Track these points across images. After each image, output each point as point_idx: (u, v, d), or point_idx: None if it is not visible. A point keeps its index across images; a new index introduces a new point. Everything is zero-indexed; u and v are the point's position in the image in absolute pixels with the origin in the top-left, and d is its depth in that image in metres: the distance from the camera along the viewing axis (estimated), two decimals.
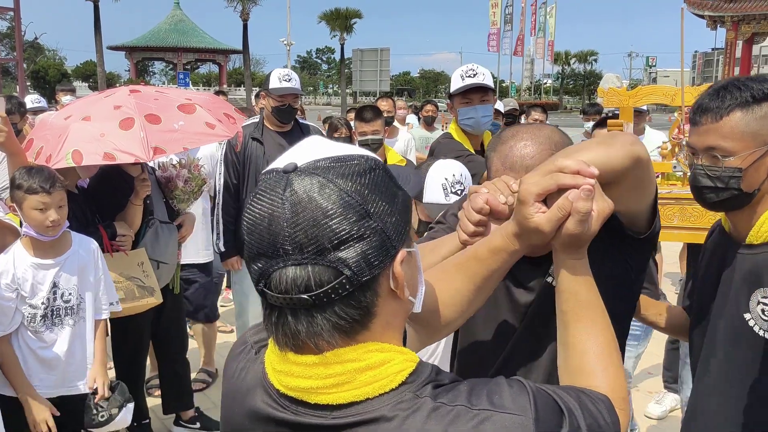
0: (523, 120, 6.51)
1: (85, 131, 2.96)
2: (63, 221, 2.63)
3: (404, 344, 0.94)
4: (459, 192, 2.36)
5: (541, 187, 1.01)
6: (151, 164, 3.56)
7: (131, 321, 3.27)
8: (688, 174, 1.71)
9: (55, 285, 2.68)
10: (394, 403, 0.83)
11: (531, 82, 67.97)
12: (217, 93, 7.26)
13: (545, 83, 72.65)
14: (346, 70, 45.12)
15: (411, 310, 0.93)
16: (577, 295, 1.05)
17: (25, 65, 23.27)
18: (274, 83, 4.03)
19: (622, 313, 1.44)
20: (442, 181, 2.40)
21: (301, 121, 4.46)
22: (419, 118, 8.32)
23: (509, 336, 1.47)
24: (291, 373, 0.86)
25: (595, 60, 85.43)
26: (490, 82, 3.27)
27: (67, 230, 2.72)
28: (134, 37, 50.28)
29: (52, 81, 43.95)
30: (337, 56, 69.48)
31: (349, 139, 5.14)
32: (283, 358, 0.87)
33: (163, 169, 3.71)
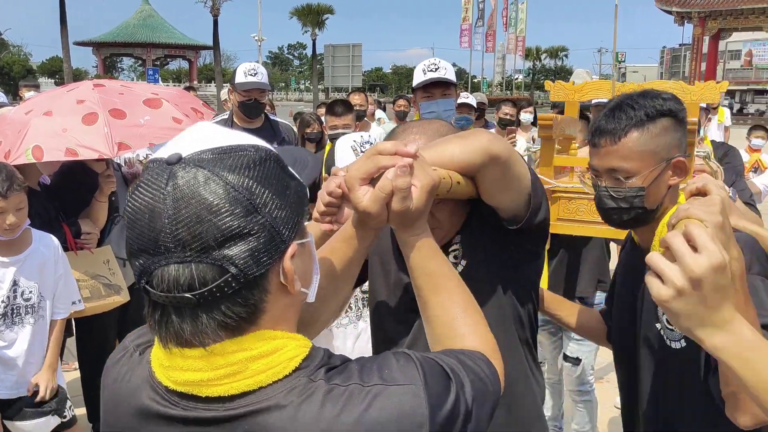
0: (494, 115, 6.50)
1: (46, 126, 2.89)
2: (22, 223, 2.55)
3: None
4: None
5: (363, 171, 1.03)
6: (117, 160, 3.49)
7: (96, 320, 3.20)
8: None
9: (15, 283, 2.61)
10: (288, 389, 0.82)
11: (503, 78, 68.39)
12: (187, 89, 7.15)
13: (516, 79, 73.17)
14: (318, 66, 44.91)
15: (305, 301, 0.93)
16: (426, 268, 1.07)
17: None
18: (240, 78, 3.95)
19: (521, 299, 1.49)
20: (350, 143, 2.45)
21: (271, 117, 4.40)
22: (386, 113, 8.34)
23: (411, 323, 1.51)
24: (179, 367, 0.83)
25: (566, 55, 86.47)
26: (451, 77, 3.28)
27: (27, 227, 2.65)
28: (102, 33, 49.51)
29: (17, 77, 42.95)
30: (308, 52, 69.20)
31: (321, 135, 5.10)
32: (169, 354, 0.84)
33: (129, 165, 3.64)
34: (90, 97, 2.99)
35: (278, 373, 0.82)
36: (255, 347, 0.82)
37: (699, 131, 2.66)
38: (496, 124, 6.28)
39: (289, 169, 0.88)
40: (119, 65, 66.76)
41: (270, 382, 0.82)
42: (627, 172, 1.49)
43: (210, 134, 0.83)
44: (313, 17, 49.39)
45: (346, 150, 2.44)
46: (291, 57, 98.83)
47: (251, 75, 3.97)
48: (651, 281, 0.86)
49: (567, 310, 1.96)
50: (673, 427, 1.56)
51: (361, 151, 2.37)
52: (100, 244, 3.23)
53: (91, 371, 3.33)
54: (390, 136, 1.51)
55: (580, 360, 3.26)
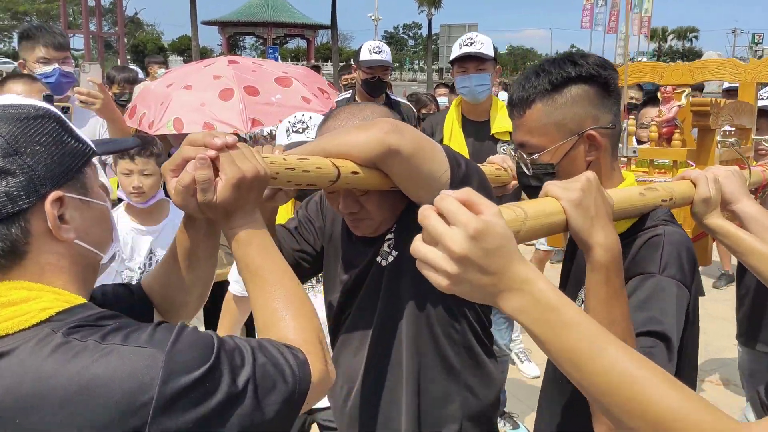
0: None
1: (186, 100, 3.05)
2: (148, 189, 2.63)
3: None
4: (301, 130, 2.35)
5: (172, 163, 1.03)
6: (242, 135, 3.63)
7: (218, 287, 3.35)
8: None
9: (151, 252, 2.74)
10: (29, 338, 0.85)
11: (624, 60, 65.06)
12: (314, 68, 7.27)
13: (640, 61, 69.49)
14: (433, 46, 44.66)
15: (99, 262, 1.01)
16: (246, 260, 1.05)
17: (125, 39, 24.28)
18: (364, 55, 4.01)
19: (456, 298, 1.43)
20: (285, 125, 2.40)
21: (392, 96, 4.44)
22: None
23: (343, 315, 1.55)
24: None
25: (696, 37, 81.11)
26: (487, 51, 3.25)
27: (165, 199, 2.76)
28: (227, 13, 51.54)
29: (149, 54, 45.82)
30: (424, 32, 68.99)
31: None
32: None
33: (254, 140, 3.78)
34: (226, 73, 3.13)
35: (25, 322, 0.86)
36: (7, 295, 0.87)
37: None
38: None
39: (76, 131, 0.97)
40: (242, 44, 69.39)
41: (16, 330, 0.85)
42: (533, 147, 1.35)
43: (6, 97, 0.94)
44: None
45: (281, 131, 2.41)
46: (406, 37, 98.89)
47: (375, 53, 4.02)
48: (427, 274, 0.78)
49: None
50: None
51: (294, 131, 2.36)
52: None
53: None
54: (324, 119, 1.48)
55: None
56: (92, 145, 1.00)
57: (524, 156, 1.37)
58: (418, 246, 0.79)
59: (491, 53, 3.29)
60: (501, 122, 3.28)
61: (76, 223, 0.95)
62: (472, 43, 3.27)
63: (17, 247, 0.89)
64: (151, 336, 0.86)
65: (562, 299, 0.78)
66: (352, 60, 4.24)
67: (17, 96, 0.97)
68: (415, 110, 5.00)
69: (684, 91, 2.40)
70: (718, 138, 1.94)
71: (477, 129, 3.34)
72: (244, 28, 51.72)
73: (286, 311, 1.03)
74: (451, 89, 9.36)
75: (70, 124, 0.97)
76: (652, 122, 2.30)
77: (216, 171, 1.01)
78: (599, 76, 1.32)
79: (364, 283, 1.51)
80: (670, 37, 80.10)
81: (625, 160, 2.12)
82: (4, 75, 3.01)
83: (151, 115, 3.13)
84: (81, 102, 2.72)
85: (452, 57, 3.32)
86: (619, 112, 1.37)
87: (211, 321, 3.48)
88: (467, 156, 3.27)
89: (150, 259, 2.75)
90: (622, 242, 1.21)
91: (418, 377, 1.47)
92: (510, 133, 3.32)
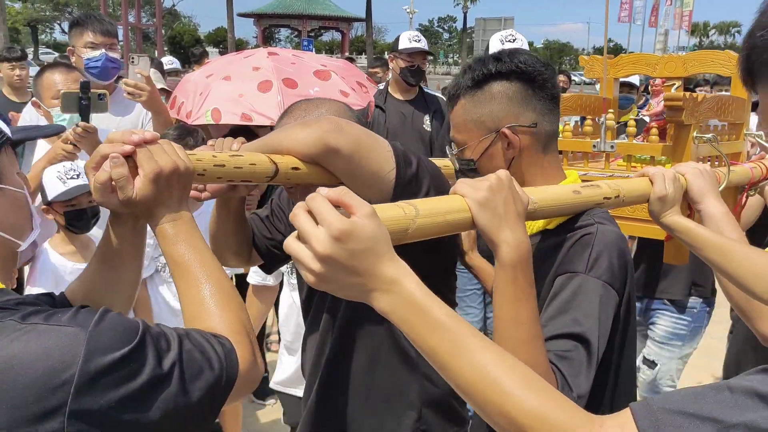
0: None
1: (225, 90, 3.08)
2: None
3: None
4: (75, 176, 2.42)
5: (92, 161, 1.03)
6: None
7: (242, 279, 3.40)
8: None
9: None
10: None
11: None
12: (348, 59, 7.32)
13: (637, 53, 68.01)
14: (468, 40, 44.33)
15: (17, 250, 1.00)
16: (171, 254, 1.04)
17: (162, 31, 24.61)
18: (404, 43, 4.08)
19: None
20: (56, 173, 2.43)
21: (426, 90, 4.44)
22: None
23: (310, 305, 1.60)
24: None
25: (738, 32, 79.03)
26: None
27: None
28: (263, 5, 51.81)
29: (186, 46, 46.30)
30: (458, 25, 68.56)
31: None
32: None
33: None
34: (265, 64, 3.15)
35: None
36: None
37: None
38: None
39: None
40: (277, 36, 69.74)
41: None
42: (457, 143, 1.37)
43: None
44: None
45: (53, 180, 2.44)
46: (440, 30, 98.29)
47: (415, 41, 4.07)
48: (299, 270, 0.79)
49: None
50: None
51: (69, 179, 2.38)
52: (260, 205, 3.41)
53: None
54: (282, 114, 1.51)
55: (656, 364, 3.04)
56: (8, 133, 0.99)
57: (451, 152, 1.40)
58: (290, 242, 0.80)
59: None
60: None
61: None
62: (514, 40, 3.34)
63: None
64: (73, 316, 0.86)
65: (430, 300, 0.79)
66: (386, 53, 4.29)
67: None
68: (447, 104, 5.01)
69: (674, 84, 2.34)
70: (694, 134, 1.89)
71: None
72: (279, 20, 51.89)
73: (213, 304, 1.02)
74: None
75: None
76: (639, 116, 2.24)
77: (136, 168, 1.01)
78: (523, 74, 1.30)
79: None
80: (712, 32, 78.37)
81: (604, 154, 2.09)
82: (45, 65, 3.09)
83: (190, 104, 3.18)
84: (128, 93, 2.78)
85: (494, 51, 3.33)
86: (551, 110, 1.33)
87: None
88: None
89: None
90: (555, 239, 1.22)
91: (374, 368, 1.50)
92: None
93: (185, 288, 1.04)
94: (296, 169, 1.19)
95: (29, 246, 1.04)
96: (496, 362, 0.77)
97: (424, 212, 0.93)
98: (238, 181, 1.16)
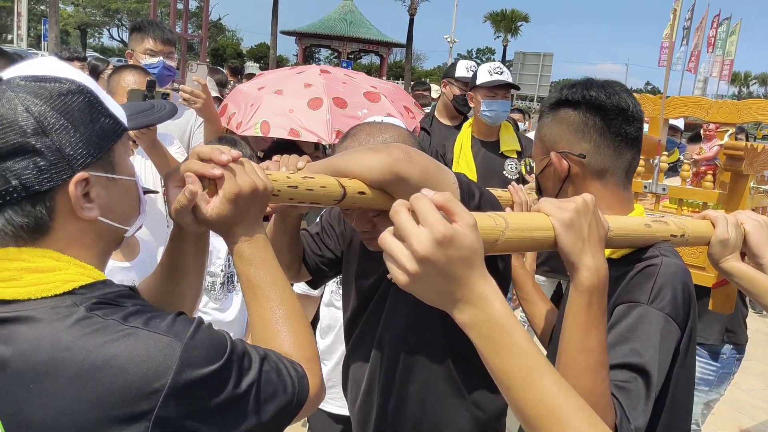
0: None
1: (276, 104, 3.13)
2: None
3: None
4: None
5: (176, 174, 1.03)
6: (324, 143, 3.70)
7: None
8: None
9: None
10: (50, 307, 0.86)
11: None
12: None
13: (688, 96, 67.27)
14: None
15: (123, 235, 1.01)
16: (246, 275, 1.05)
17: (207, 43, 25.10)
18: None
19: None
20: None
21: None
22: None
23: (356, 321, 1.63)
24: None
25: None
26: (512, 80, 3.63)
27: None
28: (305, 24, 52.60)
29: (228, 59, 47.16)
30: (497, 57, 68.82)
31: None
32: None
33: (332, 152, 3.84)
34: (317, 82, 3.20)
35: (48, 291, 0.87)
36: (33, 261, 0.89)
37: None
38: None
39: (108, 107, 0.95)
40: (317, 55, 70.66)
41: (39, 297, 0.87)
42: (532, 158, 1.47)
43: (41, 64, 0.92)
44: (506, 23, 49.05)
45: None
46: (479, 61, 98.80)
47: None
48: (389, 266, 0.78)
49: (545, 316, 1.66)
50: None
51: None
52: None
53: None
54: (343, 137, 1.53)
55: None
56: (124, 122, 0.99)
57: (530, 161, 1.49)
58: (386, 237, 0.78)
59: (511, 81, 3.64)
60: (509, 141, 3.64)
61: (101, 201, 0.94)
62: (502, 72, 3.60)
63: (41, 224, 0.90)
64: (171, 325, 0.88)
65: (514, 323, 0.79)
66: (443, 76, 4.27)
67: (56, 61, 0.95)
68: None
69: (727, 130, 2.32)
70: (751, 184, 1.88)
71: (487, 148, 3.61)
72: (320, 40, 52.57)
73: (286, 329, 1.03)
74: (522, 113, 9.31)
75: (103, 100, 0.96)
76: (690, 160, 2.23)
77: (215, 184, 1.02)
78: (591, 106, 1.32)
79: (374, 295, 1.58)
80: (753, 82, 77.52)
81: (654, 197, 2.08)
82: (112, 66, 3.17)
83: (240, 115, 3.23)
84: (183, 100, 2.84)
85: (481, 82, 3.54)
86: (616, 147, 1.33)
87: None
88: (475, 171, 3.41)
89: (229, 259, 2.77)
90: (617, 270, 1.21)
91: (426, 399, 1.51)
92: (517, 152, 3.66)
93: (259, 309, 1.05)
94: (362, 193, 1.19)
95: (133, 229, 1.05)
96: (566, 401, 0.78)
97: (513, 225, 0.93)
98: (308, 203, 1.16)
